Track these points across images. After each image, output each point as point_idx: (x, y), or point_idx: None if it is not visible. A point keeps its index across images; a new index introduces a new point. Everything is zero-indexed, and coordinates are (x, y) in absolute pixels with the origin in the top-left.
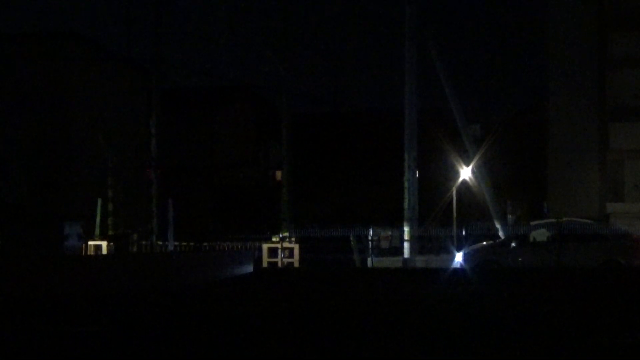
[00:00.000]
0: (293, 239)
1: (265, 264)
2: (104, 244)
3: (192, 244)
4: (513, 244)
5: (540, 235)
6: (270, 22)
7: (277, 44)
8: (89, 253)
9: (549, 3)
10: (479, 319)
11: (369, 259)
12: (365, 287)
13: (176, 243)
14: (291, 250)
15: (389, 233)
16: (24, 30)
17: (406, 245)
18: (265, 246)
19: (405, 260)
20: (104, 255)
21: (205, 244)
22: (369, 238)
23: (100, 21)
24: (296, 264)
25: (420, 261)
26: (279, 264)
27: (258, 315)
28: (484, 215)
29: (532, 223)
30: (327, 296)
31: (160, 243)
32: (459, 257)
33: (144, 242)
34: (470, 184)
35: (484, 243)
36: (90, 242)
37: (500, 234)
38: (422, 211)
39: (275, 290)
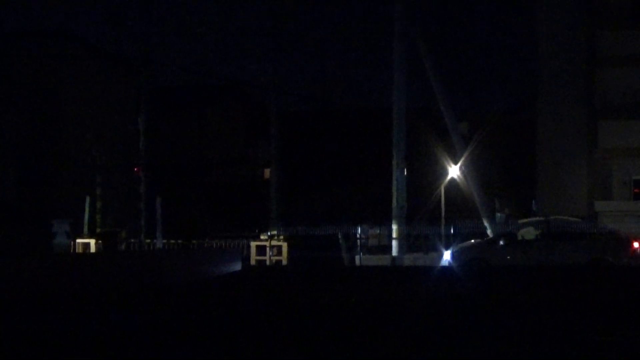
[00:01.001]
0: (281, 237)
1: (253, 262)
2: (92, 241)
3: (180, 241)
4: (501, 242)
5: (528, 233)
6: (260, 21)
7: (267, 43)
8: (77, 251)
9: (538, 2)
10: (466, 316)
11: (357, 257)
12: (353, 285)
13: (165, 241)
14: (279, 248)
15: (378, 231)
16: (14, 29)
17: (394, 243)
18: (253, 244)
19: (393, 258)
20: (92, 253)
21: (193, 241)
22: (358, 236)
23: (89, 19)
24: (284, 262)
25: (408, 259)
26: (267, 262)
27: (246, 313)
28: (473, 214)
29: (520, 221)
30: (315, 294)
31: (148, 241)
32: (447, 255)
33: (132, 240)
34: (459, 182)
35: (472, 241)
36: (79, 240)
37: (489, 232)
38: (410, 209)
39: (263, 288)
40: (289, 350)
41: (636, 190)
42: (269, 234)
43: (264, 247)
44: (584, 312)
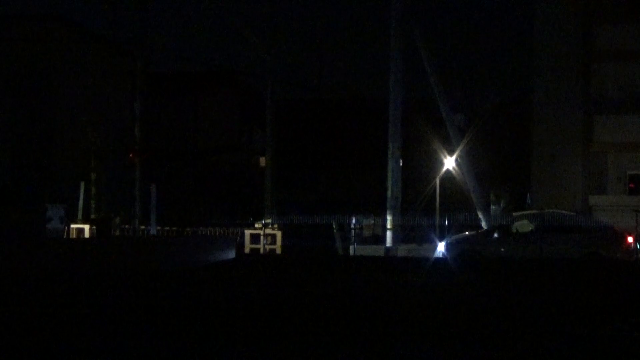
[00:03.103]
0: (276, 226)
1: (247, 250)
2: (86, 227)
3: (174, 228)
4: (495, 235)
5: (522, 226)
6: (256, 8)
7: (262, 30)
8: (71, 236)
9: None
10: (459, 308)
11: (351, 247)
12: (347, 275)
13: (159, 227)
14: (273, 236)
15: (372, 221)
16: (9, 12)
17: (388, 234)
18: (247, 232)
19: (387, 249)
20: (86, 238)
21: (187, 229)
22: (352, 226)
23: (85, 3)
24: (278, 251)
25: (402, 250)
26: (261, 251)
27: (239, 301)
28: (467, 205)
29: (515, 214)
30: (309, 283)
31: (142, 227)
32: (441, 247)
33: (126, 226)
34: (454, 173)
35: (467, 233)
36: (73, 225)
37: (483, 224)
38: (405, 200)
39: (256, 276)
40: (282, 338)
41: (631, 185)
42: (263, 222)
43: (258, 235)
44: (578, 306)
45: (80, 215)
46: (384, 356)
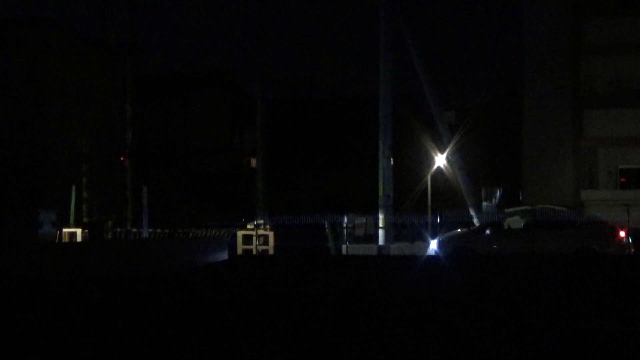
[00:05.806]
0: (268, 226)
1: (240, 251)
2: (78, 231)
3: (166, 230)
4: (487, 231)
5: (514, 222)
6: (246, 8)
7: (252, 30)
8: (63, 240)
9: None
10: (452, 305)
11: (344, 246)
12: (340, 274)
13: (151, 230)
14: (266, 237)
15: (364, 220)
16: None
17: (381, 232)
18: (240, 233)
19: (379, 247)
20: (79, 242)
21: (179, 230)
22: (344, 225)
23: (75, 7)
24: (271, 251)
25: (394, 248)
26: (254, 251)
27: (233, 302)
28: (459, 203)
29: (507, 210)
30: (302, 283)
31: (134, 230)
32: (433, 245)
33: (118, 229)
34: (445, 171)
35: (459, 230)
36: (65, 230)
37: (475, 221)
38: (397, 198)
39: (250, 277)
40: (276, 339)
41: (622, 179)
42: (255, 223)
43: (251, 236)
44: (570, 301)
45: (72, 219)
46: (379, 353)
